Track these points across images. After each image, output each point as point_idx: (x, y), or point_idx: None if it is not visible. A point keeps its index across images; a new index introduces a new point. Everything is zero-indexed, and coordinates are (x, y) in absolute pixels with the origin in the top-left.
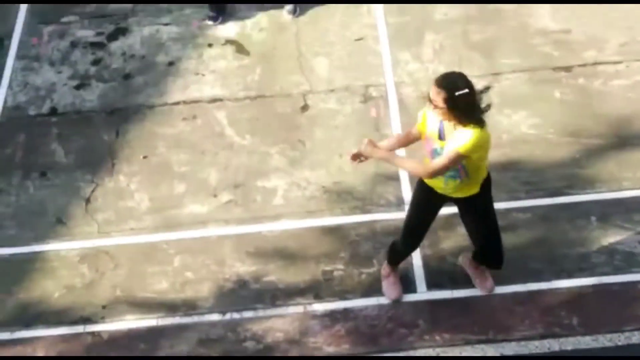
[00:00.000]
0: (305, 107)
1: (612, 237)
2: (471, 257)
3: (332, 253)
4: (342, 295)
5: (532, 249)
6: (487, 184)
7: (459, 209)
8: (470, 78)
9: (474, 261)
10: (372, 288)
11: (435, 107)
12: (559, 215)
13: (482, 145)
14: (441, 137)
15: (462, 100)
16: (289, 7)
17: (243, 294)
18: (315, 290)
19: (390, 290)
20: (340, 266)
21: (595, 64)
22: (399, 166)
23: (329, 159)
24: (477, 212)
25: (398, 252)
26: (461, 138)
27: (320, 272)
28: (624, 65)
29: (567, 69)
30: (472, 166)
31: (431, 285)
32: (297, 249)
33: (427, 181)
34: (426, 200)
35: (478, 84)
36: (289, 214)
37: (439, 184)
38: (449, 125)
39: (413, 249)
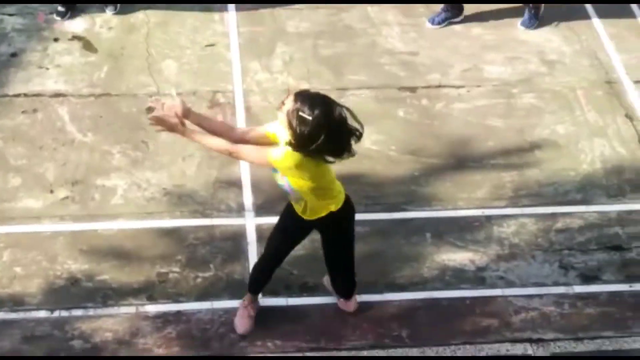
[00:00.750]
0: (150, 109)
1: (444, 254)
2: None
3: (168, 255)
4: (176, 298)
5: (367, 261)
6: (341, 214)
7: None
8: (319, 91)
9: (341, 300)
10: (207, 292)
11: (280, 109)
12: (395, 230)
13: (293, 167)
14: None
15: (300, 124)
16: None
17: (74, 292)
18: (149, 291)
19: (243, 322)
20: (176, 269)
21: (439, 86)
22: (205, 145)
23: (172, 161)
24: (329, 238)
25: (261, 279)
26: (280, 149)
27: (155, 273)
28: (465, 89)
29: (412, 89)
30: (302, 190)
31: (265, 292)
32: (133, 249)
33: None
34: (287, 226)
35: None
36: (127, 214)
37: (298, 208)
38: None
39: (272, 272)
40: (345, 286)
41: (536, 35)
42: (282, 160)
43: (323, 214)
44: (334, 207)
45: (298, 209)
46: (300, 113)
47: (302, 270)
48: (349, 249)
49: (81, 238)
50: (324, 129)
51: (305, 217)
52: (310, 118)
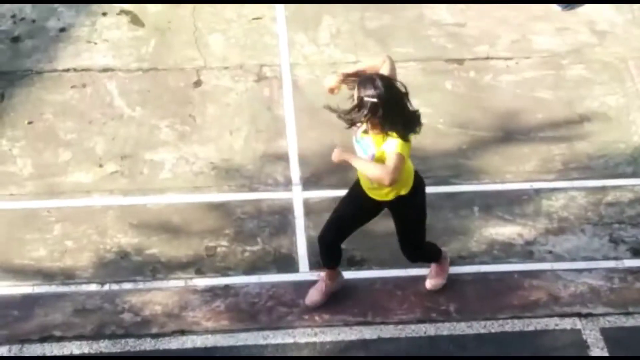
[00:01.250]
0: (198, 83)
1: (492, 228)
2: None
3: (216, 229)
4: (224, 272)
5: None
6: (416, 189)
7: (392, 213)
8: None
9: (434, 265)
10: (255, 266)
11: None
12: (443, 204)
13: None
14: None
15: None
16: None
17: (123, 266)
18: (197, 265)
19: (311, 294)
20: (224, 243)
21: (487, 58)
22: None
23: (220, 135)
24: (401, 216)
25: (326, 245)
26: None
27: (204, 247)
28: (513, 61)
29: (460, 61)
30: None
31: (313, 265)
32: (181, 223)
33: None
34: (357, 197)
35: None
36: (176, 188)
37: (366, 183)
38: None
39: (338, 239)
40: (416, 259)
41: (586, 5)
42: (402, 154)
43: (391, 197)
44: (404, 191)
45: (369, 187)
46: (366, 99)
47: (350, 244)
48: (417, 229)
49: (130, 212)
50: (393, 101)
51: (377, 197)
52: (376, 100)
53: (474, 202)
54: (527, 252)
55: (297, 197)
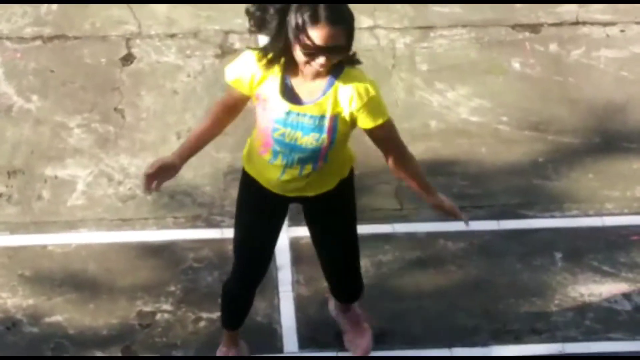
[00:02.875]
0: (128, 59)
1: (583, 286)
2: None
3: (155, 285)
4: (167, 352)
5: (464, 296)
6: (351, 175)
7: (305, 214)
8: (389, 32)
9: (337, 302)
10: (214, 342)
11: (330, 55)
12: (508, 247)
13: None
14: (293, 98)
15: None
16: None
17: (10, 341)
18: (126, 340)
19: None
20: (167, 306)
21: (576, 23)
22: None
23: (162, 140)
24: (335, 216)
25: (232, 300)
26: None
27: (135, 313)
28: (617, 28)
29: (534, 27)
30: (341, 142)
31: (306, 341)
32: (101, 275)
33: (256, 175)
34: (257, 207)
35: (399, 40)
36: (92, 221)
37: (272, 176)
38: (301, 81)
39: (249, 288)
40: (351, 286)
41: None
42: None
43: (334, 182)
44: (346, 171)
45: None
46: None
47: (360, 309)
48: (353, 230)
49: (21, 258)
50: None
51: (310, 193)
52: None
53: (555, 246)
54: (637, 322)
55: (282, 236)
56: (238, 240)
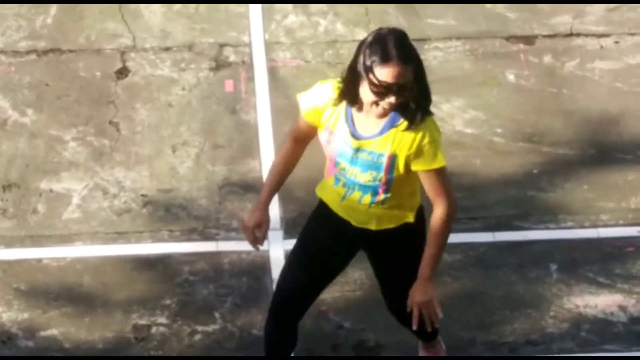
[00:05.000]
0: (123, 72)
1: (579, 297)
2: (420, 340)
3: (151, 299)
4: None
5: (460, 308)
6: (422, 213)
7: (374, 252)
8: None
9: (422, 344)
10: (210, 354)
11: (398, 94)
12: (503, 259)
13: None
14: (356, 134)
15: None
16: None
17: (7, 355)
18: (122, 354)
19: None
20: (163, 320)
21: (571, 35)
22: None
23: (157, 153)
24: (392, 256)
25: (279, 324)
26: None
27: (131, 327)
28: (611, 39)
29: (529, 39)
30: (399, 182)
31: (302, 354)
32: (96, 288)
33: (325, 197)
34: (322, 224)
35: None
36: (87, 234)
37: (336, 198)
38: (364, 117)
39: (279, 310)
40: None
41: None
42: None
43: (399, 222)
44: (412, 216)
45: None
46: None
47: (357, 322)
48: (408, 276)
49: (17, 272)
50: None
51: (372, 227)
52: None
53: (550, 257)
54: (633, 334)
55: (276, 248)
56: (292, 251)
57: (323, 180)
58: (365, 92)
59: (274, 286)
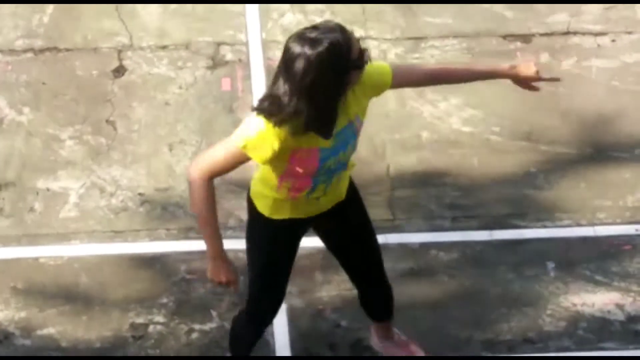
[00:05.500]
0: (120, 70)
1: (576, 295)
2: (373, 322)
3: (148, 297)
4: None
5: (457, 306)
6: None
7: (329, 227)
8: (381, 42)
9: (380, 326)
10: (207, 354)
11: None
12: (499, 257)
13: None
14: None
15: None
16: None
17: (4, 354)
18: (119, 353)
19: None
20: (160, 318)
21: (567, 33)
22: None
23: (154, 151)
24: (358, 222)
25: (248, 335)
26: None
27: (128, 325)
28: (608, 38)
29: (525, 38)
30: None
31: (299, 353)
32: (93, 287)
33: (290, 215)
34: (289, 236)
35: (391, 51)
36: (85, 233)
37: (312, 206)
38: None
39: (271, 318)
40: (387, 296)
41: None
42: None
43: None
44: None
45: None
46: None
47: (354, 321)
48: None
49: (13, 270)
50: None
51: (337, 198)
52: None
53: (547, 256)
54: (630, 332)
55: None
56: (268, 274)
57: (276, 204)
58: (353, 79)
59: None
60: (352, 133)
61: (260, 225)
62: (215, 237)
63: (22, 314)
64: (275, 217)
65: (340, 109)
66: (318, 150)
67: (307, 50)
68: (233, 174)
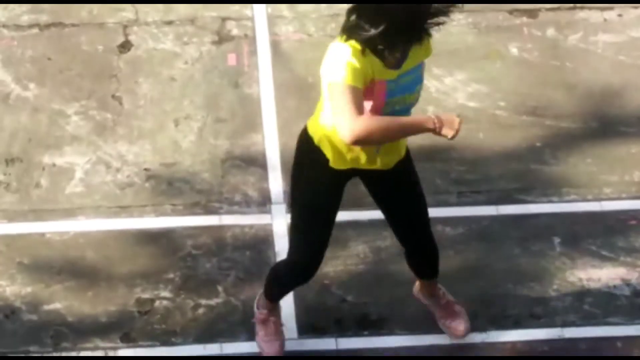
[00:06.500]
0: (125, 46)
1: (582, 270)
2: (418, 279)
3: (153, 273)
4: (166, 339)
5: (463, 281)
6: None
7: (384, 185)
8: None
9: (425, 283)
10: (214, 329)
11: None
12: (505, 232)
13: None
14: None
15: None
16: None
17: (9, 330)
18: (124, 328)
19: (268, 342)
20: (166, 293)
21: (574, 7)
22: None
23: (159, 127)
24: (411, 182)
25: (286, 281)
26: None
27: (134, 300)
28: (615, 12)
29: (531, 12)
30: None
31: (304, 328)
32: (99, 262)
33: (353, 165)
34: (334, 186)
35: None
36: (91, 208)
37: (374, 157)
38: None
39: (312, 271)
40: (434, 255)
41: None
42: None
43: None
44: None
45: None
46: None
47: (361, 296)
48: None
49: (20, 246)
50: None
51: (389, 162)
52: None
53: (553, 231)
54: (636, 307)
55: (280, 222)
56: (314, 221)
57: (339, 153)
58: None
59: (277, 259)
60: (419, 76)
61: (318, 171)
62: (403, 120)
63: (29, 289)
64: (339, 166)
65: (411, 50)
66: (386, 83)
67: None
68: (238, 149)
